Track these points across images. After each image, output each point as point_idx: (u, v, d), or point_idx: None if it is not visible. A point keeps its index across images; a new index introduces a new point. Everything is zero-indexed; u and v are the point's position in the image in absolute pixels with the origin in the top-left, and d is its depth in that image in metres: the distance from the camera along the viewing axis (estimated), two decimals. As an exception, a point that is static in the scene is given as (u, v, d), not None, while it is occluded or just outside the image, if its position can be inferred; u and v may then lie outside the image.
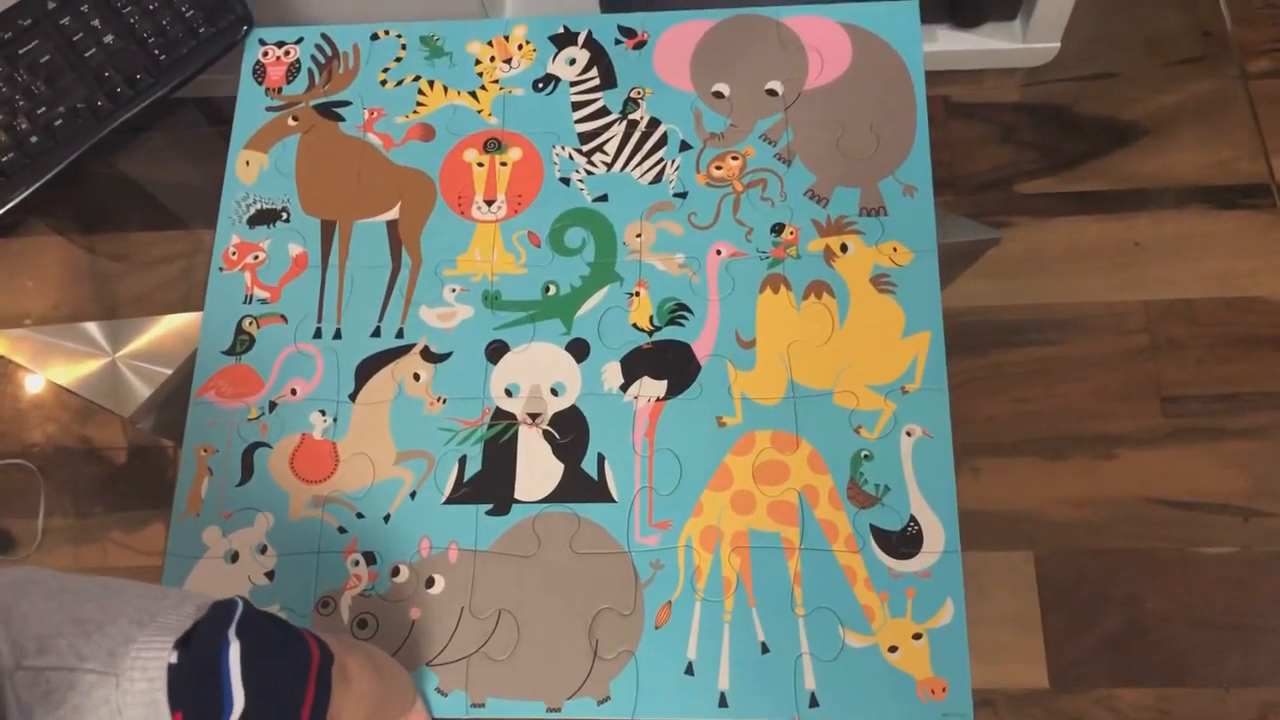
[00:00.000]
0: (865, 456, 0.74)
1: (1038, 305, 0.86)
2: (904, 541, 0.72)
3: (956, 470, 0.74)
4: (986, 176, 0.92)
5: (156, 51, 0.88)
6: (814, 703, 0.69)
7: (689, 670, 0.70)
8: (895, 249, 0.79)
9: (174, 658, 0.51)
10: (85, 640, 0.51)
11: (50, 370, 0.83)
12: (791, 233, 0.80)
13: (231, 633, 0.54)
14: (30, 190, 0.86)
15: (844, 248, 0.79)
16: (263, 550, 0.75)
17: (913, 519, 0.72)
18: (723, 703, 0.69)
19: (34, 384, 0.86)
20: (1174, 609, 0.77)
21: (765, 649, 0.70)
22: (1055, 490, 0.79)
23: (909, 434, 0.74)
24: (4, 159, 0.86)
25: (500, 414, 0.77)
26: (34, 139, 0.86)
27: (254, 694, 0.53)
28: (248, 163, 0.86)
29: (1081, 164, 0.92)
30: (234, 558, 0.75)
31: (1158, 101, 0.95)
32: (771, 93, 0.84)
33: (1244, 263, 0.85)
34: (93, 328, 0.84)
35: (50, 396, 0.85)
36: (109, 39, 0.88)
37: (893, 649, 0.69)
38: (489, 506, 0.75)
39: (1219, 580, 0.77)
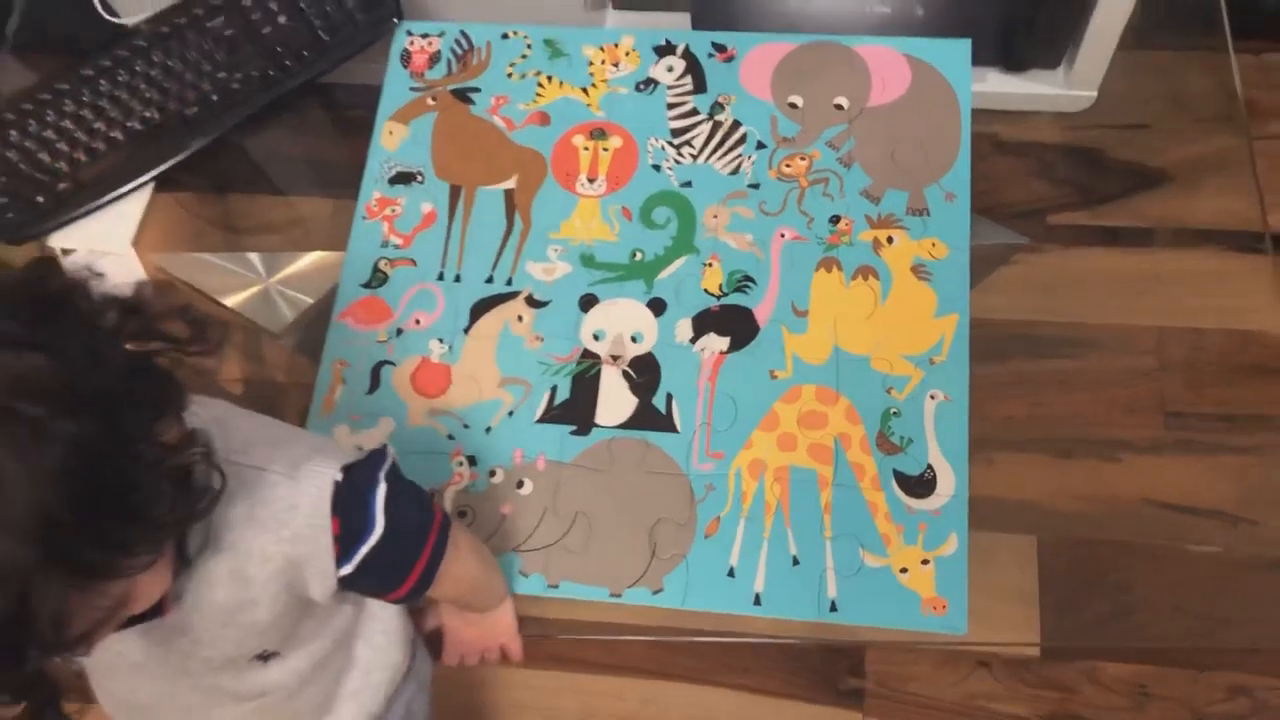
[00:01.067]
0: (894, 413, 0.87)
1: (1060, 323, 0.96)
2: (921, 485, 0.85)
3: (973, 459, 0.85)
4: (1022, 206, 1.03)
5: (321, 33, 1.04)
6: (834, 608, 0.82)
7: (730, 573, 0.83)
8: (934, 244, 0.92)
9: (339, 476, 0.66)
10: (274, 449, 0.66)
11: (215, 290, 0.99)
12: (846, 224, 0.94)
13: (382, 474, 0.68)
14: (208, 140, 1.02)
15: (890, 240, 0.93)
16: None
17: (930, 467, 0.85)
18: (757, 601, 0.83)
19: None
20: (1160, 598, 0.86)
21: (796, 562, 0.83)
22: (1061, 485, 0.89)
23: (932, 398, 0.87)
24: (189, 112, 1.02)
25: (587, 354, 0.92)
26: (214, 98, 1.03)
27: (390, 526, 0.68)
28: (391, 132, 1.02)
29: (1110, 202, 1.03)
30: (384, 451, 0.90)
31: (1183, 152, 1.05)
32: (839, 107, 0.99)
33: (1249, 300, 0.95)
34: (254, 257, 1.00)
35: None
36: (282, 19, 1.04)
37: (903, 570, 0.82)
38: (573, 427, 0.89)
39: (1203, 576, 0.85)
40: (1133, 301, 0.97)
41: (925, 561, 0.82)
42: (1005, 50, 1.27)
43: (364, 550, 0.67)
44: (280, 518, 0.64)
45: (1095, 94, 1.22)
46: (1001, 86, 1.31)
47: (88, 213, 1.01)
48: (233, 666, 0.70)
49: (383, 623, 0.79)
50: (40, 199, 1.01)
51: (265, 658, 0.70)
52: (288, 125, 1.09)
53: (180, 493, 0.54)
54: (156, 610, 0.60)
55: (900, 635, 0.83)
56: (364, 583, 0.70)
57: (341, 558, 0.66)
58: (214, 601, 0.64)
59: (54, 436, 0.47)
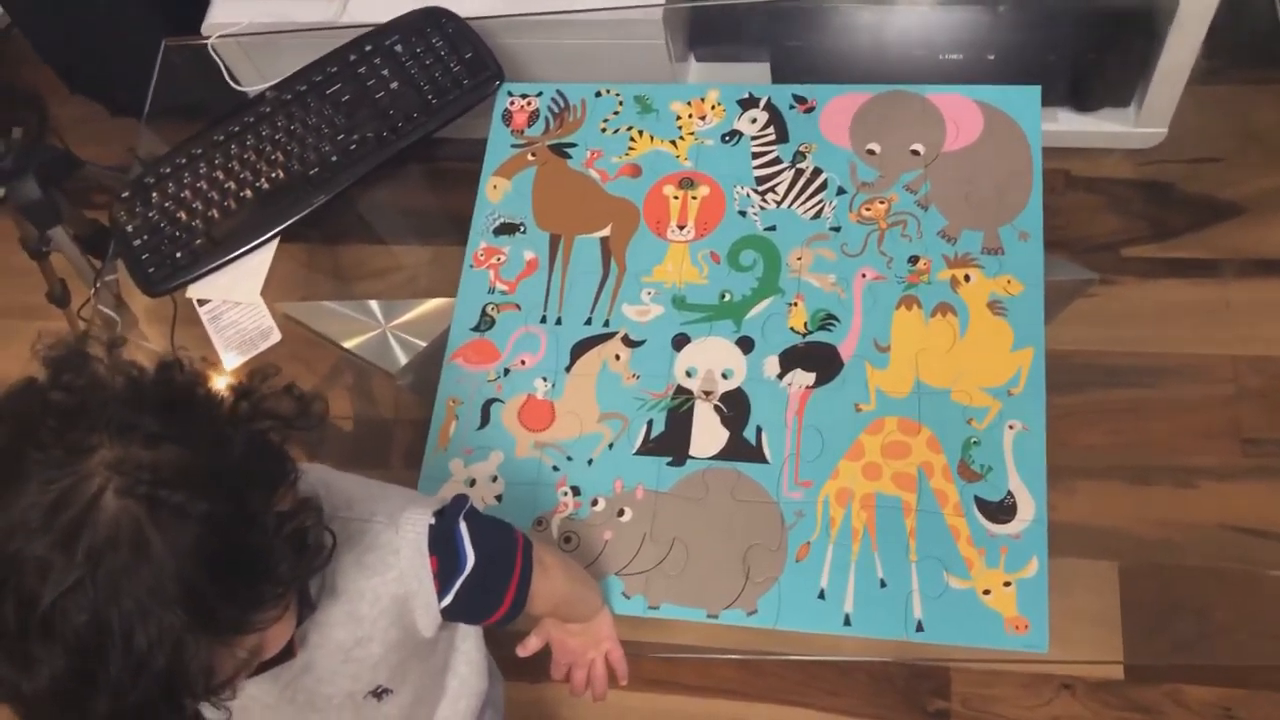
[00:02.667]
0: (974, 443, 0.91)
1: (1135, 353, 1.00)
2: (1001, 510, 0.89)
3: (1053, 487, 0.88)
4: (1097, 240, 1.07)
5: (430, 97, 1.13)
6: (920, 628, 0.86)
7: (821, 595, 0.89)
8: (1009, 281, 0.97)
9: (432, 520, 0.74)
10: (375, 503, 0.74)
11: (336, 335, 1.08)
12: (925, 264, 0.99)
13: (465, 514, 0.76)
14: (329, 197, 1.11)
15: (967, 278, 0.98)
16: (494, 479, 0.97)
17: (1010, 493, 0.90)
18: (846, 622, 0.87)
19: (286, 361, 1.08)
20: (1241, 621, 0.88)
21: (883, 584, 0.88)
22: (1141, 511, 0.92)
23: (1011, 428, 0.92)
24: (311, 172, 1.12)
25: (681, 390, 0.98)
26: (334, 158, 1.12)
27: (481, 555, 0.75)
28: (495, 187, 1.10)
29: (1182, 234, 1.06)
30: (471, 483, 0.97)
31: (1254, 185, 1.08)
32: (915, 153, 1.04)
33: None
34: (373, 304, 1.09)
35: (299, 374, 1.08)
36: (394, 85, 1.14)
37: (986, 592, 0.87)
38: (669, 459, 0.95)
39: None
40: (1207, 331, 1.00)
41: (1007, 583, 0.87)
42: (1076, 91, 1.32)
43: (460, 581, 0.75)
44: (386, 561, 0.72)
45: (1166, 130, 1.26)
46: (1073, 125, 1.36)
47: (220, 266, 1.11)
48: (351, 703, 0.77)
49: (466, 654, 0.86)
50: (178, 254, 1.11)
51: (379, 694, 0.78)
52: (398, 181, 1.18)
53: (298, 552, 0.61)
54: (286, 654, 0.67)
55: (984, 654, 0.87)
56: (466, 610, 0.77)
57: (442, 590, 0.74)
58: (334, 641, 0.72)
59: (192, 516, 0.55)
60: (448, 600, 0.75)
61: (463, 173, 1.13)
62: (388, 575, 0.73)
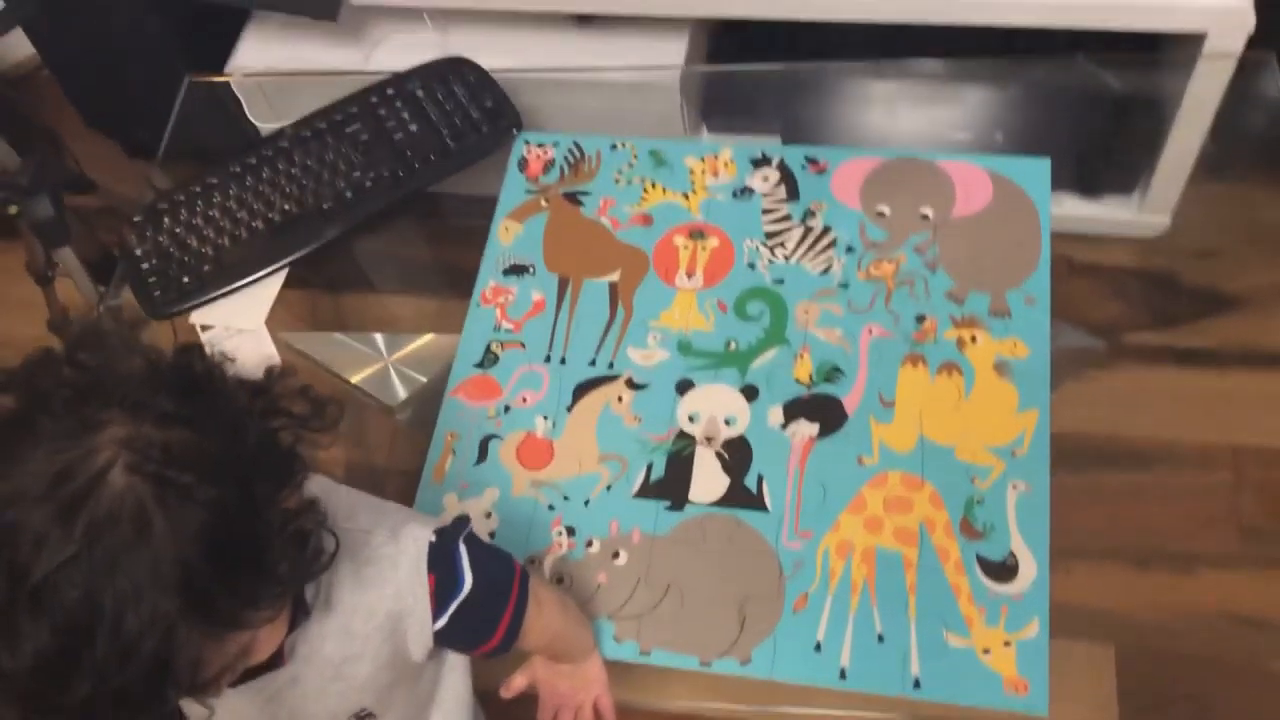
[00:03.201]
0: (977, 501, 0.90)
1: (1135, 438, 0.99)
2: (1003, 570, 0.88)
3: (1051, 568, 0.87)
4: (1099, 325, 1.07)
5: (448, 140, 1.14)
6: (917, 685, 0.84)
7: (817, 648, 0.86)
8: (1015, 344, 0.97)
9: (433, 538, 0.73)
10: (376, 516, 0.73)
11: (338, 366, 1.07)
12: (931, 323, 0.99)
13: (465, 537, 0.75)
14: (340, 232, 1.12)
15: (973, 339, 0.98)
16: (488, 515, 0.95)
17: (1011, 553, 0.88)
18: (842, 675, 0.85)
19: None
20: (1240, 714, 0.86)
21: (881, 639, 0.86)
22: (1138, 595, 0.91)
23: (1014, 488, 0.91)
24: (325, 206, 1.12)
25: (683, 434, 0.97)
26: (349, 194, 1.13)
27: (479, 579, 0.74)
28: (507, 229, 1.11)
29: (1183, 324, 1.07)
30: (465, 519, 0.95)
31: (1256, 280, 1.08)
32: (924, 217, 1.05)
33: None
34: (376, 337, 1.09)
35: None
36: (413, 127, 1.15)
37: (986, 651, 0.85)
38: (668, 503, 0.94)
39: None
40: (1207, 419, 1.00)
41: (1007, 643, 0.85)
42: (1081, 176, 1.34)
43: (456, 603, 0.73)
44: (384, 575, 0.71)
45: (1169, 220, 1.28)
46: (1077, 210, 1.38)
47: (227, 293, 1.11)
48: None
49: (453, 688, 0.83)
50: (185, 279, 1.11)
51: (363, 718, 0.75)
52: (404, 231, 1.19)
53: (299, 553, 0.60)
54: (274, 662, 0.65)
55: (982, 715, 0.85)
56: (459, 636, 0.75)
57: (437, 611, 0.72)
58: (324, 655, 0.70)
59: (198, 501, 0.54)
60: (442, 622, 0.73)
61: (473, 230, 1.14)
62: (384, 590, 0.71)
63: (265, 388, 0.62)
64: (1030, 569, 0.87)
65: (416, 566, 0.71)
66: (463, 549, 0.74)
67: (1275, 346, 1.06)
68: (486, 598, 0.75)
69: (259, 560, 0.57)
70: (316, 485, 0.69)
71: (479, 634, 0.76)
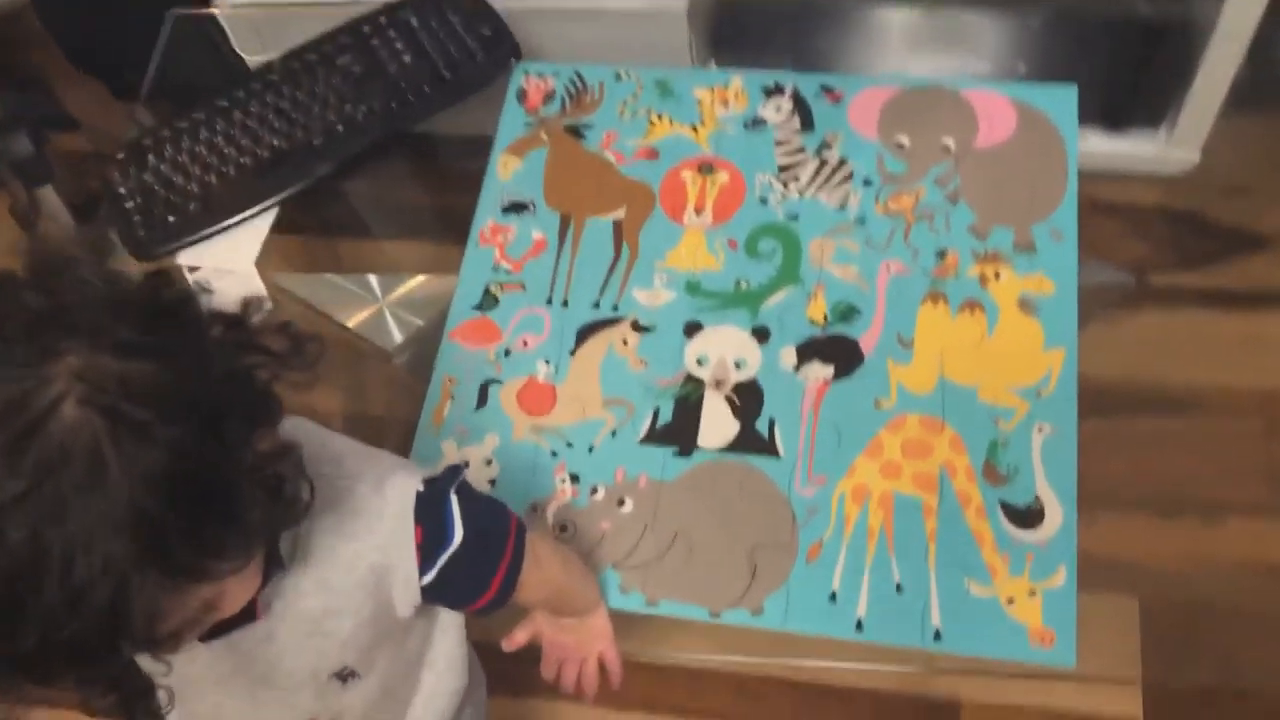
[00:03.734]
0: (1000, 444, 0.86)
1: (1162, 382, 0.95)
2: (1028, 516, 0.84)
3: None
4: (1122, 266, 1.02)
5: (443, 70, 1.09)
6: (938, 636, 0.80)
7: (832, 598, 0.83)
8: (1041, 280, 0.92)
9: (421, 487, 0.68)
10: (361, 464, 0.69)
11: (331, 309, 1.03)
12: (952, 259, 0.94)
13: (458, 486, 0.71)
14: (332, 167, 1.07)
15: (997, 275, 0.93)
16: (489, 462, 0.91)
17: (1037, 498, 0.84)
18: (859, 627, 0.81)
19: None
20: (1269, 669, 0.83)
21: (899, 589, 0.82)
22: (1164, 546, 0.87)
23: (1040, 430, 0.86)
24: (315, 141, 1.07)
25: (691, 378, 0.93)
26: (340, 129, 1.08)
27: (470, 531, 0.69)
28: (505, 164, 1.06)
29: (1212, 264, 1.01)
30: (465, 466, 0.91)
31: None
32: (945, 148, 1.00)
33: None
34: (370, 278, 1.04)
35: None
36: (407, 58, 1.10)
37: (1010, 601, 0.81)
38: (675, 449, 0.90)
39: None
40: (1237, 363, 0.96)
41: (1032, 593, 0.81)
42: (1105, 108, 1.28)
43: (445, 557, 0.69)
44: (369, 526, 0.66)
45: (1198, 156, 1.22)
46: (1102, 147, 1.32)
47: (215, 233, 1.06)
48: (313, 683, 0.71)
49: (445, 649, 0.80)
50: (171, 219, 1.06)
51: (344, 678, 0.71)
52: (399, 173, 1.13)
53: (273, 501, 0.56)
54: (247, 616, 0.61)
55: (1001, 669, 0.81)
56: (448, 592, 0.71)
57: (424, 565, 0.68)
58: (301, 609, 0.66)
59: (158, 439, 0.49)
60: (430, 576, 0.68)
61: (470, 171, 1.08)
62: (368, 542, 0.66)
63: (240, 320, 0.58)
64: (1056, 515, 0.83)
65: (402, 517, 0.67)
66: (454, 500, 0.70)
67: None
68: (478, 551, 0.71)
69: (225, 507, 0.52)
70: (300, 429, 0.65)
71: (470, 589, 0.72)
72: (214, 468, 0.52)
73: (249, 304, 0.59)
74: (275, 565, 0.63)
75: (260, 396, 0.57)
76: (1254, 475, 0.93)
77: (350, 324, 1.02)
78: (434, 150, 1.16)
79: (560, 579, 0.80)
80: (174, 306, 0.55)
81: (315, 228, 1.12)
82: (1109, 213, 1.14)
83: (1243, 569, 0.86)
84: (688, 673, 1.20)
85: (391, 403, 1.06)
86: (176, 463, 0.50)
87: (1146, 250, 1.11)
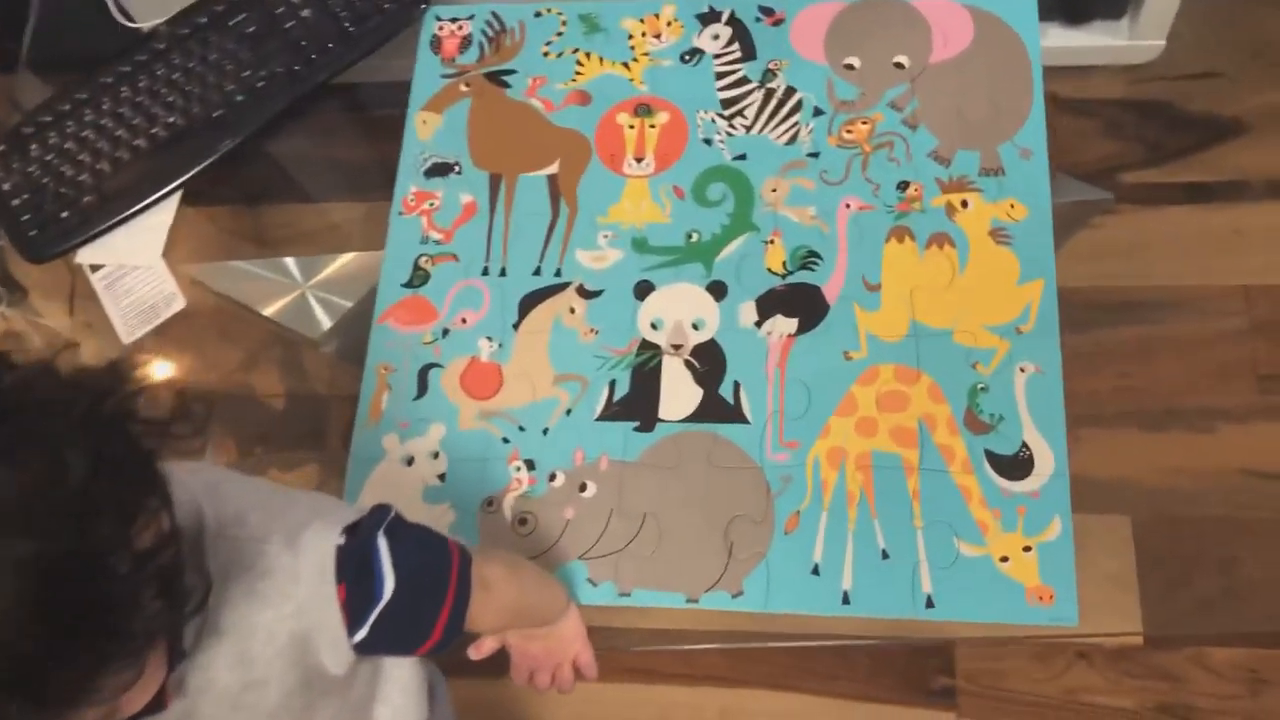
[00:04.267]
0: (981, 389, 0.80)
1: (1139, 287, 0.89)
2: (1016, 465, 0.78)
3: None
4: (1092, 167, 0.96)
5: (346, 24, 0.99)
6: (930, 604, 0.75)
7: (815, 571, 0.77)
8: (1012, 205, 0.86)
9: (341, 540, 0.61)
10: (272, 519, 0.60)
11: (250, 299, 0.94)
12: (916, 190, 0.87)
13: (384, 530, 0.63)
14: (236, 142, 0.98)
15: (964, 204, 0.86)
16: (435, 456, 0.85)
17: (1024, 445, 0.79)
18: (845, 600, 0.76)
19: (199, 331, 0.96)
20: (1268, 574, 0.79)
21: (885, 555, 0.77)
22: (1154, 460, 0.83)
23: (1022, 370, 0.81)
24: (215, 114, 0.98)
25: (646, 345, 0.86)
26: (240, 98, 0.98)
27: (404, 578, 0.62)
28: (424, 122, 0.97)
29: (1184, 157, 0.95)
30: (410, 461, 0.85)
31: (1260, 99, 0.97)
32: (899, 66, 0.92)
33: None
34: (289, 262, 0.95)
35: (215, 345, 0.95)
36: (306, 13, 1.00)
37: (1004, 559, 0.76)
38: (636, 424, 0.83)
39: None
40: (1216, 260, 0.91)
41: (1027, 548, 0.76)
42: (1065, 1, 1.20)
43: (376, 612, 0.61)
44: (283, 591, 0.59)
45: (1164, 43, 1.15)
46: (1063, 41, 1.23)
47: (114, 225, 0.97)
48: None
49: (399, 681, 0.72)
50: (64, 214, 0.97)
51: None
52: (316, 129, 1.04)
53: (160, 600, 0.48)
54: (155, 705, 0.54)
55: (1001, 630, 0.77)
56: (384, 645, 0.64)
57: (353, 624, 0.61)
58: (219, 686, 0.58)
59: (10, 562, 0.42)
60: (362, 634, 0.61)
61: (387, 119, 1.00)
62: (284, 608, 0.59)
63: (112, 388, 0.49)
64: (1047, 461, 0.78)
65: (320, 577, 0.59)
66: (382, 545, 0.62)
67: (1278, 171, 0.96)
68: (416, 598, 0.64)
69: (104, 619, 0.45)
70: (200, 479, 0.58)
71: (412, 637, 0.65)
72: (85, 578, 0.45)
73: (118, 369, 0.50)
74: (178, 654, 0.56)
75: (137, 478, 0.49)
76: (1241, 377, 0.89)
77: (270, 313, 0.93)
78: (359, 99, 1.07)
79: (517, 601, 0.74)
80: (17, 392, 0.47)
81: (225, 202, 1.03)
82: (1075, 110, 1.07)
83: (1235, 475, 0.83)
84: (670, 658, 1.16)
85: (334, 381, 0.98)
86: (38, 584, 0.42)
87: (1115, 148, 1.05)
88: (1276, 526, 0.81)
